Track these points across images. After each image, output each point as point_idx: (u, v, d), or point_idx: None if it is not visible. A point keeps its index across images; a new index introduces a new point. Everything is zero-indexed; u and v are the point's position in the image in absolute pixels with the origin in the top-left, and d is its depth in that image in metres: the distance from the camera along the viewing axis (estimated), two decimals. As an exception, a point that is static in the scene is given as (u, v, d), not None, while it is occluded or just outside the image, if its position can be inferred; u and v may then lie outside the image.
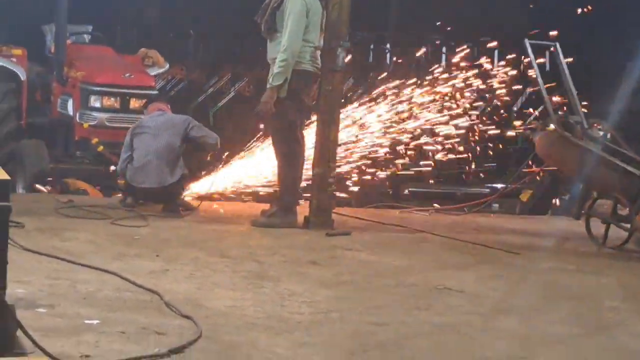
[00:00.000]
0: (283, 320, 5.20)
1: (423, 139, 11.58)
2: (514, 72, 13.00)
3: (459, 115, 13.58)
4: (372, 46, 16.58)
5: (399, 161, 11.66)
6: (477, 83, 14.89)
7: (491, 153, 13.93)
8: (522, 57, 10.63)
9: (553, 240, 8.78)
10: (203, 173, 9.37)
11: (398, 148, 11.20)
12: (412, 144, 11.32)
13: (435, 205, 10.73)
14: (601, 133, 8.75)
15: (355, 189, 10.52)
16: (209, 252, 6.93)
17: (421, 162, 12.01)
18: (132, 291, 5.56)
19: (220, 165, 9.77)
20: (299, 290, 5.93)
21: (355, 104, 10.96)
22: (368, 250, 7.50)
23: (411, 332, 5.20)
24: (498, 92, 15.39)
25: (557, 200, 11.60)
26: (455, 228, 8.96)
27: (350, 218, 8.98)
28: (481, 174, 13.78)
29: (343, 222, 8.65)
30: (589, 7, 15.52)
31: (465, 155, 13.15)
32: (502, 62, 13.51)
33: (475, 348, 4.97)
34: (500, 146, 14.32)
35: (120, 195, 9.23)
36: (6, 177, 3.92)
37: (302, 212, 8.43)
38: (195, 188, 9.45)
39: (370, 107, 10.97)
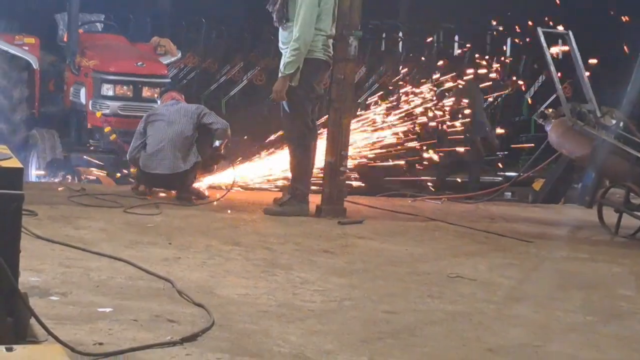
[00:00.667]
0: (295, 309, 5.19)
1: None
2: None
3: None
4: (384, 35, 16.52)
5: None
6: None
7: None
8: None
9: (566, 229, 8.76)
10: (217, 162, 9.33)
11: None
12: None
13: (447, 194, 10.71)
14: (614, 122, 8.71)
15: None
16: (221, 240, 6.93)
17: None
18: (145, 279, 5.56)
19: (234, 158, 9.74)
20: (312, 278, 5.92)
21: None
22: (380, 239, 7.48)
23: (424, 320, 5.18)
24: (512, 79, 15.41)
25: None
26: (467, 217, 8.94)
27: (362, 206, 8.97)
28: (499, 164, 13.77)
29: (355, 211, 8.63)
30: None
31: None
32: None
33: (489, 336, 4.95)
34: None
35: (133, 183, 9.23)
36: (19, 165, 3.92)
37: (314, 201, 8.42)
38: (213, 179, 9.44)
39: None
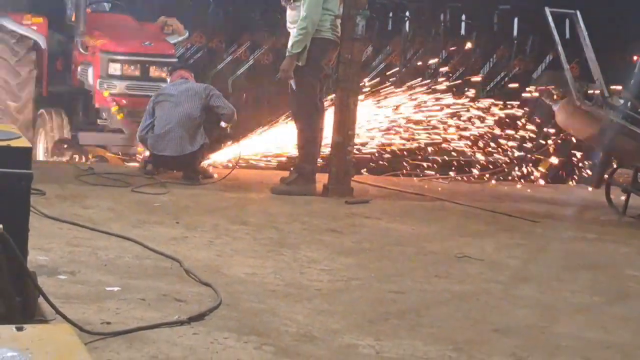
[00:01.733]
0: (302, 288, 5.19)
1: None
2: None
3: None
4: (390, 14, 16.47)
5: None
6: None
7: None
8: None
9: (573, 209, 8.75)
10: (224, 143, 9.33)
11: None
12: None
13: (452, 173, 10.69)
14: (622, 102, 8.68)
15: None
16: (228, 219, 6.93)
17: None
18: (152, 258, 5.56)
19: (241, 136, 9.73)
20: (319, 257, 5.92)
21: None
22: (387, 218, 7.48)
23: (431, 300, 5.18)
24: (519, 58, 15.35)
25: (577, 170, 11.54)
26: (474, 196, 8.93)
27: (369, 186, 8.96)
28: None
29: (362, 190, 8.62)
30: None
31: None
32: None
33: (496, 316, 4.95)
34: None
35: (140, 161, 9.24)
36: (28, 144, 3.91)
37: (321, 180, 8.41)
38: (219, 157, 9.44)
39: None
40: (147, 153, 9.04)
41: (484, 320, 4.88)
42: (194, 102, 8.74)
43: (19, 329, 1.98)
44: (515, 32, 15.90)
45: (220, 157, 9.47)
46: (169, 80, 9.52)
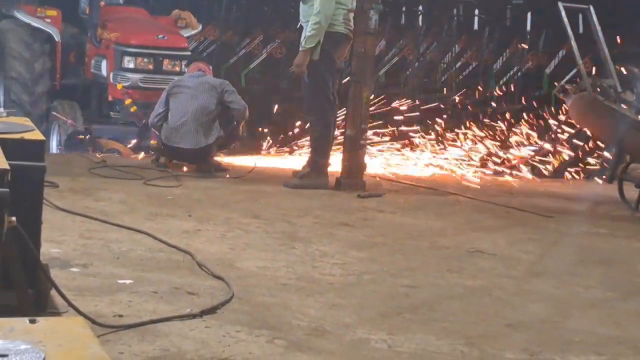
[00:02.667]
0: (315, 282, 5.18)
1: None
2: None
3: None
4: (404, 8, 16.44)
5: None
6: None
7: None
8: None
9: (586, 204, 8.72)
10: (233, 143, 9.36)
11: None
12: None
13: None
14: (635, 97, 8.65)
15: None
16: (241, 212, 6.92)
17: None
18: (165, 251, 5.56)
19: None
20: (331, 251, 5.91)
21: None
22: (400, 212, 7.47)
23: (444, 295, 5.17)
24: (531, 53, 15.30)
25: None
26: (487, 191, 8.91)
27: (381, 180, 8.94)
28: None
29: (375, 184, 8.61)
30: None
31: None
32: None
33: (508, 311, 4.93)
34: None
35: (153, 154, 9.25)
36: (41, 137, 3.91)
37: (333, 174, 8.40)
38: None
39: None
40: (154, 143, 9.04)
41: (497, 315, 4.86)
42: (210, 96, 8.75)
43: (32, 322, 1.97)
44: (528, 27, 15.85)
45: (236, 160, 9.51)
46: (186, 71, 9.53)
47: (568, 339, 4.56)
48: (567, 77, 12.78)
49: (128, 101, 10.85)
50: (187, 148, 8.67)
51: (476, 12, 16.30)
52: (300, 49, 8.26)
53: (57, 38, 11.80)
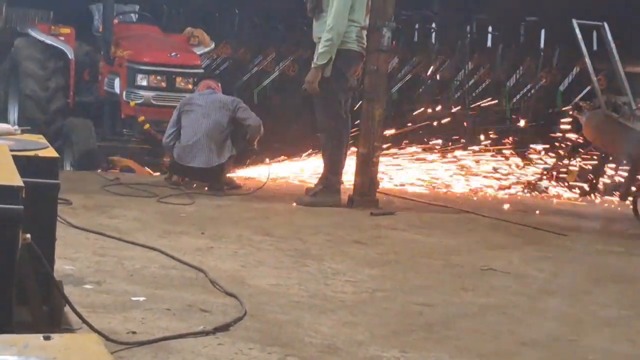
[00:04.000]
0: (327, 299, 5.19)
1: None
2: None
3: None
4: (417, 26, 16.48)
5: None
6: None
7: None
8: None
9: (600, 222, 8.70)
10: (250, 158, 9.39)
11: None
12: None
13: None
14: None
15: None
16: (253, 230, 6.93)
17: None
18: (178, 268, 5.57)
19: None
20: (343, 269, 5.91)
21: None
22: (413, 230, 7.46)
23: (457, 313, 5.16)
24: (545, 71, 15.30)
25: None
26: (501, 208, 8.90)
27: (394, 197, 8.95)
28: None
29: (388, 202, 8.61)
30: None
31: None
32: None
33: (522, 329, 4.92)
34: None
35: (166, 173, 9.27)
36: (55, 155, 3.94)
37: (346, 192, 8.41)
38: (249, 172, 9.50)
39: None
40: (167, 160, 9.06)
41: (511, 333, 4.85)
42: (222, 114, 8.77)
43: (46, 338, 1.99)
44: (542, 44, 15.85)
45: (250, 173, 9.52)
46: (196, 89, 9.56)
47: (583, 357, 4.55)
48: (581, 95, 12.80)
49: (141, 118, 10.88)
50: (199, 167, 8.69)
51: (489, 29, 16.32)
52: (313, 66, 8.28)
53: (70, 56, 11.86)
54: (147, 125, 10.82)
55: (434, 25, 16.37)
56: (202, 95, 9.06)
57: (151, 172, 10.31)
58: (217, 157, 8.70)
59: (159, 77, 11.30)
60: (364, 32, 8.28)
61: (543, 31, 15.72)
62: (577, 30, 8.75)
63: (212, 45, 13.01)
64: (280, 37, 15.99)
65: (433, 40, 16.29)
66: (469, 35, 15.96)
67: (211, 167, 8.68)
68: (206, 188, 8.68)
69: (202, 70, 11.70)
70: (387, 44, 8.35)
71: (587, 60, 8.92)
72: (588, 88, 13.17)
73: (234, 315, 4.64)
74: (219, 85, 9.49)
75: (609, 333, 5.03)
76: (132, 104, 11.06)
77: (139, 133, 11.13)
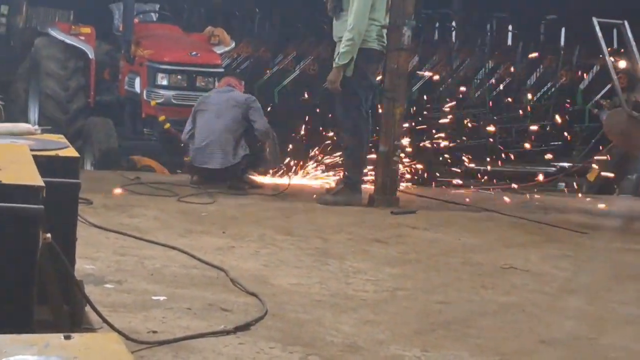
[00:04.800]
0: (348, 298, 5.18)
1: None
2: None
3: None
4: (437, 24, 16.46)
5: None
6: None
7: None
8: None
9: (620, 220, 8.66)
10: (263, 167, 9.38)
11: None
12: None
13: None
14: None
15: None
16: (274, 229, 6.93)
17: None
18: (199, 268, 5.58)
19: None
20: (364, 268, 5.91)
21: None
22: (433, 229, 7.45)
23: (477, 311, 5.15)
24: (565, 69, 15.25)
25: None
26: (520, 207, 8.87)
27: (415, 196, 8.93)
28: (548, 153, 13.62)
29: (408, 201, 8.60)
30: None
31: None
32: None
33: (542, 328, 4.91)
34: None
35: (186, 172, 9.29)
36: (75, 154, 3.94)
37: (367, 190, 8.40)
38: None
39: None
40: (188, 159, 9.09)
41: (531, 331, 4.84)
42: (235, 113, 8.77)
43: (67, 338, 1.99)
44: (562, 42, 15.80)
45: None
46: (216, 85, 9.57)
47: (603, 355, 4.53)
48: (602, 93, 12.75)
49: (162, 118, 10.90)
50: (214, 168, 8.70)
51: (510, 27, 16.27)
52: (334, 65, 8.27)
53: (91, 55, 11.89)
54: (167, 125, 10.84)
55: (454, 23, 16.34)
56: (218, 92, 9.07)
57: (168, 171, 10.32)
58: (231, 157, 8.70)
59: (179, 77, 11.31)
60: (384, 31, 8.27)
61: (563, 29, 15.66)
62: (597, 29, 8.72)
63: (233, 45, 13.02)
64: (301, 36, 15.99)
65: (453, 39, 16.26)
66: (488, 34, 15.93)
67: (227, 168, 8.68)
68: (228, 185, 8.67)
69: (222, 70, 11.71)
70: (407, 42, 8.34)
71: (607, 58, 8.88)
72: (609, 86, 13.10)
73: (255, 314, 4.64)
74: (242, 83, 9.49)
75: (629, 331, 5.00)
76: (152, 103, 11.08)
77: (160, 132, 11.15)
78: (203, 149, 8.74)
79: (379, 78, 8.60)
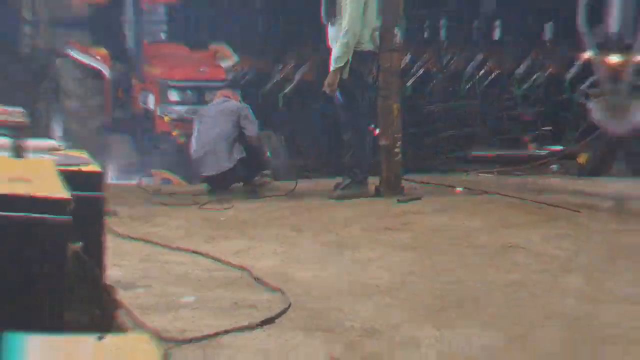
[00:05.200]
0: (364, 286, 5.17)
1: None
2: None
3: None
4: (426, 23, 16.42)
5: None
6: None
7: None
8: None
9: (615, 201, 8.54)
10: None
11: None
12: None
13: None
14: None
15: None
16: (289, 227, 6.91)
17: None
18: (222, 270, 5.55)
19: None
20: (377, 256, 5.89)
21: None
22: (438, 214, 7.39)
23: (485, 290, 5.13)
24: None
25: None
26: (518, 189, 8.80)
27: (418, 184, 8.87)
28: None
29: (412, 188, 8.53)
30: None
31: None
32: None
33: (546, 305, 4.87)
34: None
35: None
36: (99, 169, 3.93)
37: (372, 182, 8.36)
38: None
39: None
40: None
41: (537, 307, 4.81)
42: (228, 120, 8.77)
43: (100, 339, 1.97)
44: (547, 36, 15.72)
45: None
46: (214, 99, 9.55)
47: (600, 332, 4.48)
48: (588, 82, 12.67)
49: (175, 132, 10.90)
50: (212, 175, 8.68)
51: (497, 23, 16.21)
52: (331, 69, 8.25)
53: (107, 75, 11.91)
54: (181, 140, 10.83)
55: (442, 22, 16.31)
56: (214, 104, 9.11)
57: (183, 182, 10.31)
58: (226, 162, 8.65)
59: (189, 92, 11.32)
60: (377, 33, 8.24)
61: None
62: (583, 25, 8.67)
63: (235, 59, 13.01)
64: (300, 43, 15.96)
65: (442, 37, 16.22)
66: (475, 30, 15.88)
67: (223, 172, 8.64)
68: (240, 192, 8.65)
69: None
70: (399, 42, 8.32)
71: (590, 53, 8.83)
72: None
73: (278, 308, 4.61)
74: (236, 93, 9.47)
75: (628, 310, 4.90)
76: (166, 119, 11.08)
77: (174, 146, 11.14)
78: (200, 159, 8.75)
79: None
